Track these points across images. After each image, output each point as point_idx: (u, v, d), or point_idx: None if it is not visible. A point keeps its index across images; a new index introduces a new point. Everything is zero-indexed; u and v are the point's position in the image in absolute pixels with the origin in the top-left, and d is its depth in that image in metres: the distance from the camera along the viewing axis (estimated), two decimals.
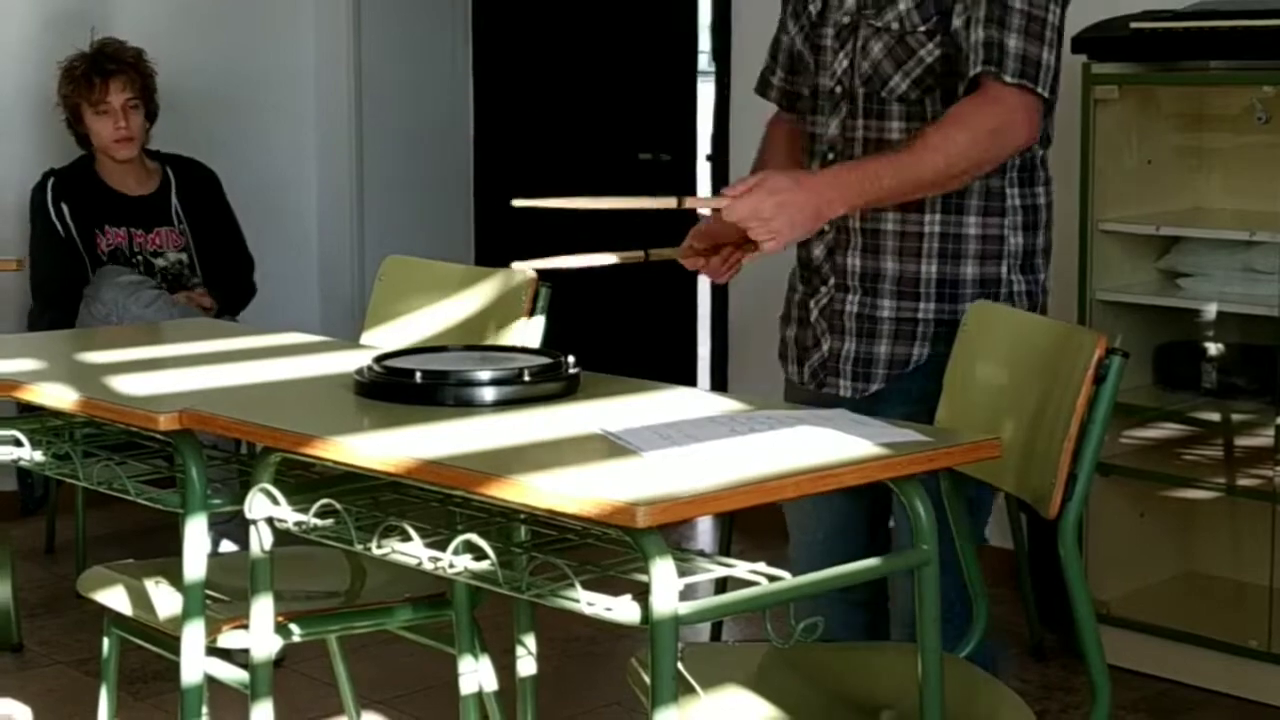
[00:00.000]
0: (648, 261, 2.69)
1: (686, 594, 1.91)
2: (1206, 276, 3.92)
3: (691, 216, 2.82)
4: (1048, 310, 2.75)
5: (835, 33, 2.68)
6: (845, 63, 2.67)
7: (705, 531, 5.01)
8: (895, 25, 2.61)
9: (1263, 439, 3.86)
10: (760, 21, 4.94)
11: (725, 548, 4.07)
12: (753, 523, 3.92)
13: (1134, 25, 3.75)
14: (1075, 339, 2.33)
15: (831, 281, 2.72)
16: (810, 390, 2.75)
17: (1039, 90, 2.53)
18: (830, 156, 2.69)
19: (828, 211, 2.49)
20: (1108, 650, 2.14)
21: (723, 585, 2.11)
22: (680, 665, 2.17)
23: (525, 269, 2.77)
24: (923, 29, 2.59)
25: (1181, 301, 3.95)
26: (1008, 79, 2.51)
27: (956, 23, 2.57)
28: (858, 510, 2.75)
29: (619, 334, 5.57)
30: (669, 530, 1.89)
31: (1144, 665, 3.90)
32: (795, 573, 2.00)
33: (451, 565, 2.04)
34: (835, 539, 2.75)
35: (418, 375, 2.38)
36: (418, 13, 5.72)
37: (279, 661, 2.61)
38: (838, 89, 2.68)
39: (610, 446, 2.11)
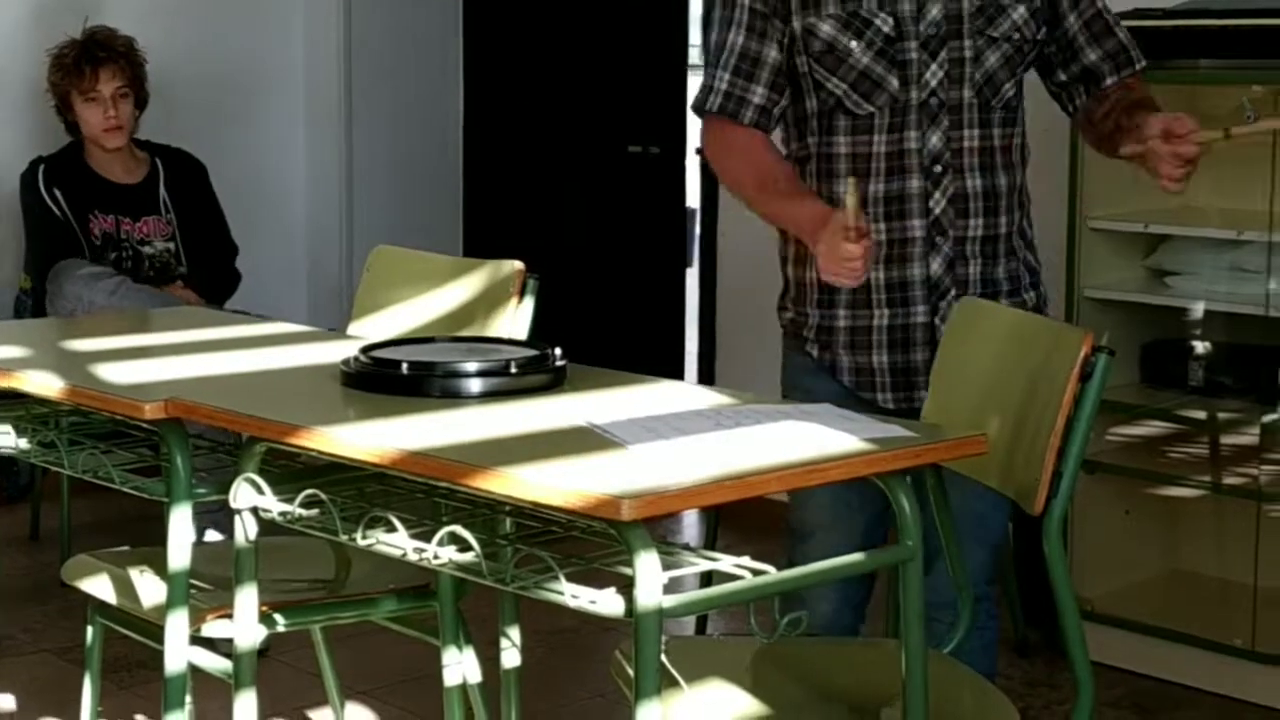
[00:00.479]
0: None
1: (671, 587, 1.91)
2: (1194, 275, 3.92)
3: None
4: None
5: (921, 45, 2.66)
6: (941, 74, 2.66)
7: (691, 525, 5.01)
8: (1015, 35, 2.68)
9: (1248, 437, 3.87)
10: None
11: (711, 541, 4.06)
12: (740, 517, 3.92)
13: (1125, 24, 3.74)
14: (1062, 336, 2.33)
15: (952, 294, 2.69)
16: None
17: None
18: (938, 169, 2.67)
19: None
20: (1092, 647, 2.14)
21: (708, 579, 2.11)
22: (665, 659, 2.18)
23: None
24: (1038, 37, 2.71)
25: (1169, 300, 3.95)
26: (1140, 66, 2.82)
27: (1072, 25, 2.74)
28: (873, 516, 2.71)
29: (607, 327, 5.58)
30: (655, 523, 1.89)
31: (1128, 662, 3.90)
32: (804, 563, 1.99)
33: (436, 557, 2.04)
34: (851, 538, 2.67)
35: (404, 366, 2.38)
36: (408, 3, 5.71)
37: (263, 651, 2.61)
38: (933, 100, 2.67)
39: (596, 439, 2.11)
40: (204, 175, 4.82)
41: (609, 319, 5.63)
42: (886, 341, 2.71)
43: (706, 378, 5.23)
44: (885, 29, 2.65)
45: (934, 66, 2.66)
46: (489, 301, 2.94)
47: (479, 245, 5.66)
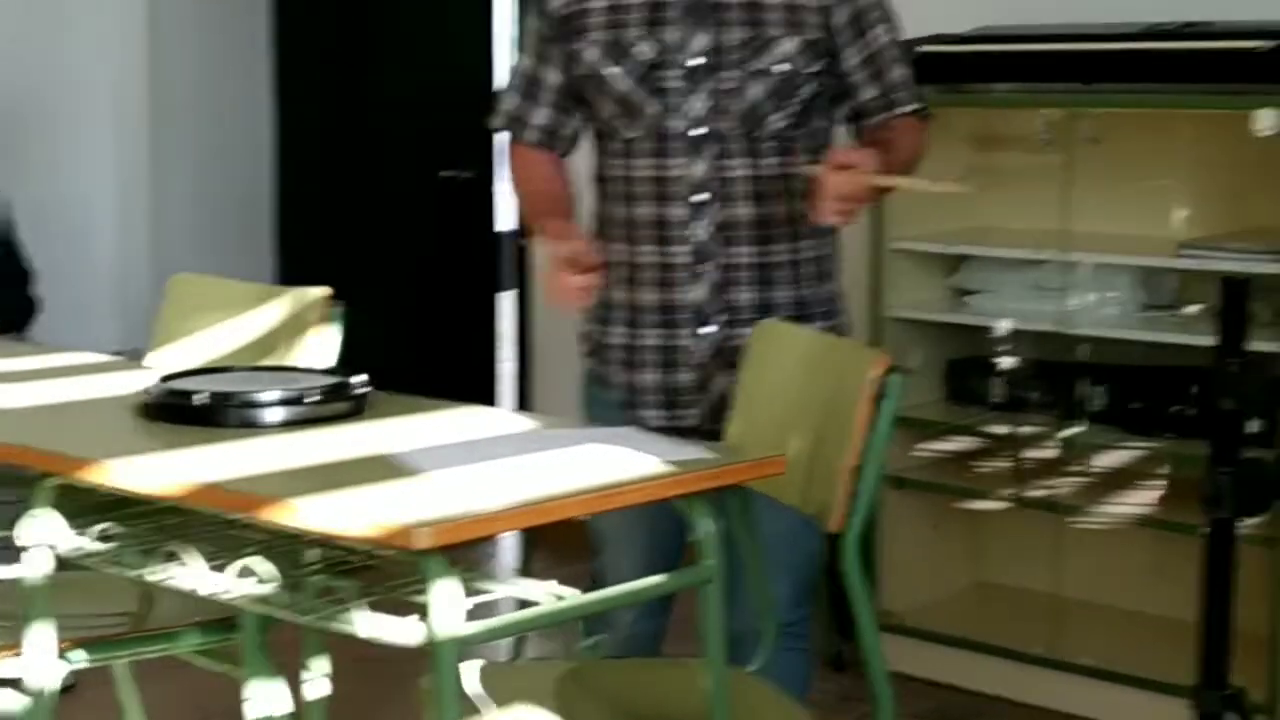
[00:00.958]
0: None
1: (479, 614, 1.91)
2: (995, 293, 4.02)
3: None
4: None
5: (686, 74, 2.67)
6: (708, 104, 2.67)
7: (509, 549, 5.00)
8: (783, 66, 2.66)
9: (1049, 451, 3.97)
10: None
11: (526, 565, 4.06)
12: (556, 539, 3.92)
13: (920, 49, 3.83)
14: (857, 357, 2.37)
15: (722, 319, 2.71)
16: (710, 431, 2.65)
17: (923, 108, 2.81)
18: (704, 197, 2.69)
19: None
20: (901, 660, 2.20)
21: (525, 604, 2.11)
22: (478, 684, 2.18)
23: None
24: (810, 70, 2.68)
25: (971, 318, 4.04)
26: (918, 105, 2.77)
27: (850, 61, 2.71)
28: (674, 525, 2.73)
29: (422, 354, 5.55)
30: (470, 548, 1.89)
31: (938, 674, 3.98)
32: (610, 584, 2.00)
33: (231, 591, 2.01)
34: (653, 554, 2.72)
35: (201, 396, 2.35)
36: (216, 26, 5.64)
37: (69, 688, 2.55)
38: (697, 130, 2.68)
39: (394, 467, 2.10)
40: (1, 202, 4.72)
41: (423, 346, 5.61)
42: (654, 361, 2.75)
43: (523, 402, 5.24)
44: (645, 57, 2.68)
45: (696, 95, 2.67)
46: (293, 329, 2.91)
47: (291, 272, 5.59)
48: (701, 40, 2.66)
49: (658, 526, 2.70)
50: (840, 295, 2.84)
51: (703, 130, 2.68)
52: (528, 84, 2.81)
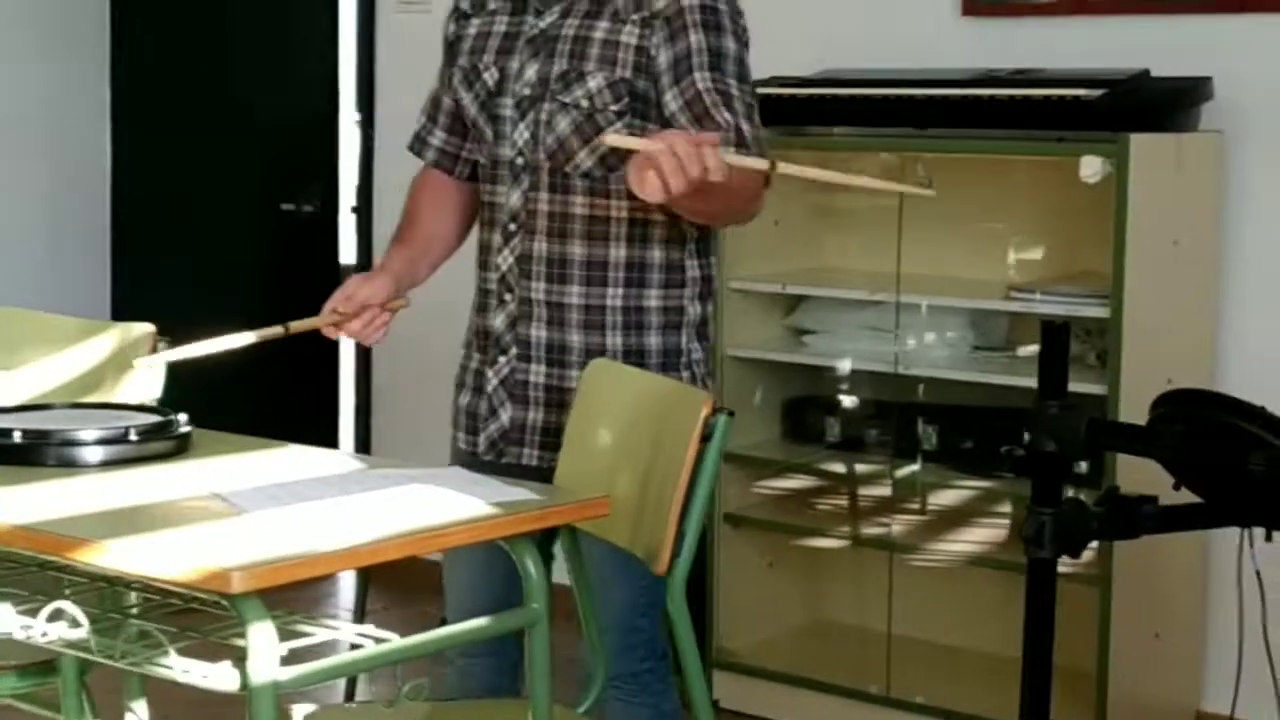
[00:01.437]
0: (289, 336, 2.60)
1: (311, 656, 1.88)
2: (830, 334, 4.06)
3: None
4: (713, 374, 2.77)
5: (516, 104, 2.66)
6: (527, 135, 2.66)
7: (349, 588, 4.94)
8: (585, 103, 2.60)
9: (883, 490, 4.02)
10: (404, 70, 4.97)
11: (361, 605, 4.02)
12: (396, 577, 3.87)
13: (761, 91, 3.85)
14: (684, 397, 2.38)
15: (514, 352, 2.68)
16: (488, 460, 2.68)
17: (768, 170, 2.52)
18: (513, 228, 2.68)
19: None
20: (738, 698, 2.21)
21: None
22: None
23: (155, 363, 2.70)
24: (614, 108, 2.60)
25: (807, 358, 4.09)
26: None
27: (671, 106, 2.58)
28: (507, 559, 2.72)
29: (260, 391, 5.48)
30: (308, 589, 1.87)
31: (773, 712, 4.00)
32: (452, 621, 1.98)
33: (45, 634, 1.97)
34: (483, 588, 2.68)
35: (17, 434, 2.30)
36: (55, 56, 5.55)
37: None
38: (519, 160, 2.67)
39: (216, 508, 2.07)
40: None
41: (262, 384, 5.53)
42: (467, 384, 2.77)
43: (362, 440, 5.18)
44: (489, 84, 2.70)
45: (521, 126, 2.67)
46: (118, 364, 2.86)
47: (127, 307, 5.50)
48: (531, 71, 2.66)
49: (495, 564, 2.69)
50: (681, 350, 2.67)
51: (521, 160, 2.68)
52: (431, 105, 2.85)
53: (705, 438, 2.29)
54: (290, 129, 5.50)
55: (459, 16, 2.79)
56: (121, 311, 5.43)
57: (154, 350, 2.85)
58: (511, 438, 2.68)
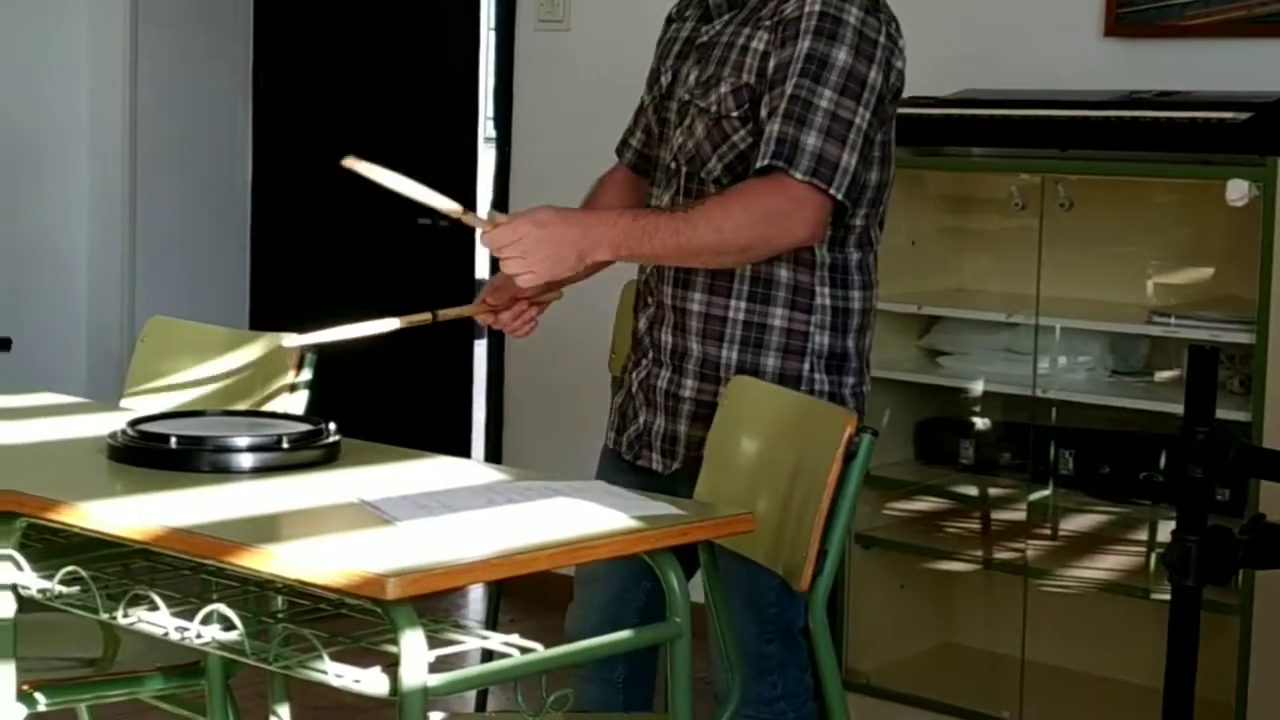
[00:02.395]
0: (436, 322, 2.60)
1: (447, 664, 1.91)
2: (966, 355, 4.03)
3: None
4: (864, 414, 2.66)
5: (678, 108, 2.68)
6: (680, 139, 2.66)
7: (477, 599, 4.99)
8: (714, 108, 2.58)
9: (1017, 513, 3.98)
10: (542, 88, 5.01)
11: (493, 616, 4.05)
12: (525, 590, 3.89)
13: (900, 111, 3.85)
14: (828, 416, 2.38)
15: (650, 355, 2.70)
16: (628, 461, 2.73)
17: (831, 191, 2.47)
18: None
19: (591, 254, 2.44)
20: None
21: (492, 655, 2.11)
22: None
23: (299, 342, 2.65)
24: (736, 114, 2.56)
25: (942, 379, 4.06)
26: (798, 175, 2.46)
27: (762, 113, 2.53)
28: (636, 579, 2.72)
29: (396, 402, 5.54)
30: (439, 599, 1.89)
31: None
32: (572, 637, 2.00)
33: (199, 635, 2.01)
34: (612, 606, 2.72)
35: (173, 440, 2.35)
36: (198, 67, 5.66)
37: None
38: (672, 164, 2.69)
39: (366, 516, 2.10)
40: None
41: (398, 394, 5.60)
42: (622, 383, 2.79)
43: (493, 452, 5.23)
44: (663, 86, 2.74)
45: (678, 130, 2.67)
46: (266, 375, 2.91)
47: (265, 318, 5.59)
48: (692, 76, 2.66)
49: (625, 577, 2.71)
50: (801, 377, 2.61)
51: (674, 164, 2.69)
52: (638, 108, 2.87)
53: (848, 457, 2.28)
54: (427, 145, 5.56)
55: (668, 21, 2.81)
56: (259, 323, 5.52)
57: (300, 361, 2.90)
58: (644, 440, 2.71)
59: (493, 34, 5.33)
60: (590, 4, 4.94)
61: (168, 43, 5.58)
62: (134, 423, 2.45)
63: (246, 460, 2.34)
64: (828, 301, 2.62)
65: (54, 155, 5.53)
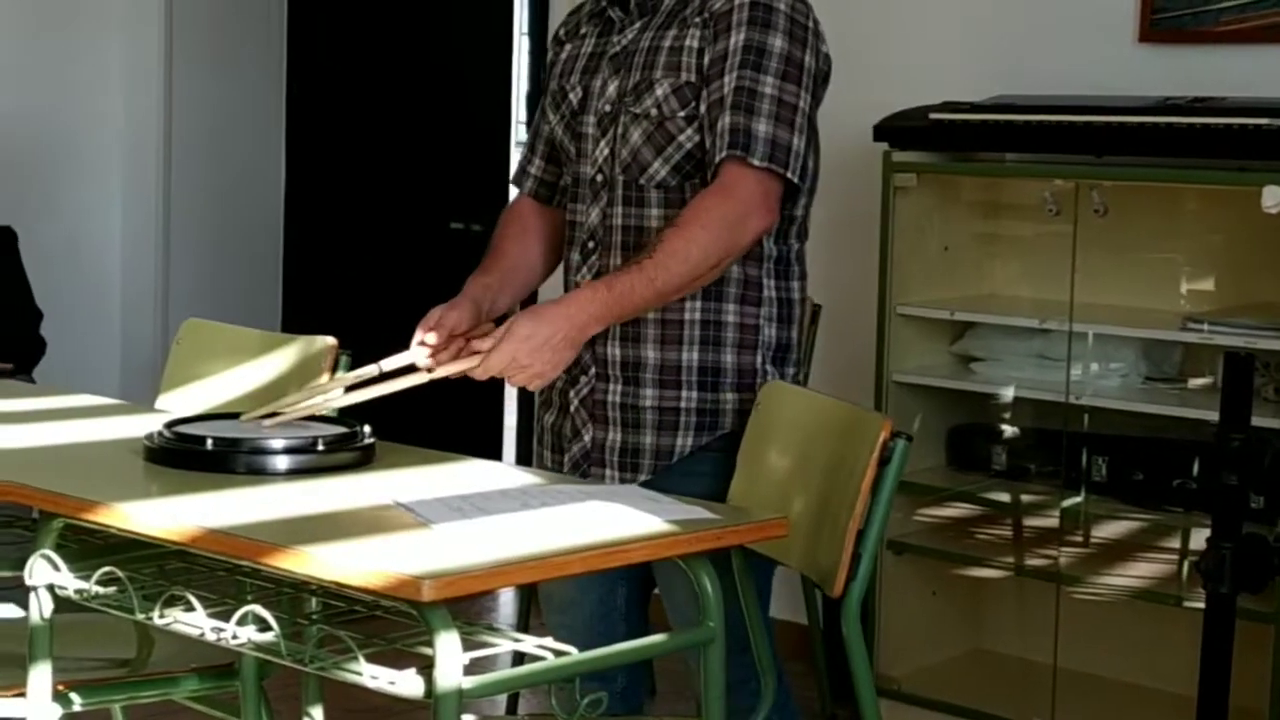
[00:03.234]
0: (383, 376, 2.53)
1: (478, 667, 1.91)
2: (998, 361, 4.02)
3: None
4: None
5: (597, 121, 2.66)
6: (606, 151, 2.65)
7: (508, 603, 5.00)
8: (654, 111, 2.58)
9: (1049, 520, 3.97)
10: None
11: (524, 619, 4.06)
12: None
13: (933, 116, 3.86)
14: (862, 421, 2.38)
15: (592, 371, 2.66)
16: (572, 480, 2.67)
17: (787, 174, 2.52)
18: (591, 245, 2.67)
19: (583, 336, 2.47)
20: None
21: (521, 658, 2.11)
22: None
23: (254, 417, 2.53)
24: (681, 114, 2.57)
25: (975, 385, 4.05)
26: (755, 162, 2.49)
27: (701, 108, 2.55)
28: (611, 590, 2.74)
29: (426, 404, 5.55)
30: (470, 602, 1.90)
31: None
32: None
33: (235, 636, 2.02)
34: (598, 623, 2.72)
35: (209, 442, 2.36)
36: (231, 69, 5.69)
37: None
38: (599, 177, 2.66)
39: (401, 518, 2.11)
40: (10, 240, 4.73)
41: (427, 396, 5.61)
42: (552, 403, 2.74)
43: (524, 455, 5.24)
44: (574, 103, 2.71)
45: (602, 143, 2.66)
46: (300, 377, 2.92)
47: (298, 320, 5.61)
48: (612, 87, 2.65)
49: (600, 591, 2.72)
50: (756, 371, 2.63)
51: (601, 177, 2.67)
52: (533, 135, 2.85)
53: (883, 461, 2.28)
54: (461, 148, 5.58)
55: (556, 43, 2.81)
56: (291, 326, 5.54)
57: (335, 362, 2.91)
58: (594, 458, 2.67)
59: (525, 39, 5.34)
60: None
61: (202, 47, 5.61)
62: (170, 424, 2.47)
63: (282, 462, 2.35)
64: (774, 294, 2.66)
65: (89, 158, 5.56)
